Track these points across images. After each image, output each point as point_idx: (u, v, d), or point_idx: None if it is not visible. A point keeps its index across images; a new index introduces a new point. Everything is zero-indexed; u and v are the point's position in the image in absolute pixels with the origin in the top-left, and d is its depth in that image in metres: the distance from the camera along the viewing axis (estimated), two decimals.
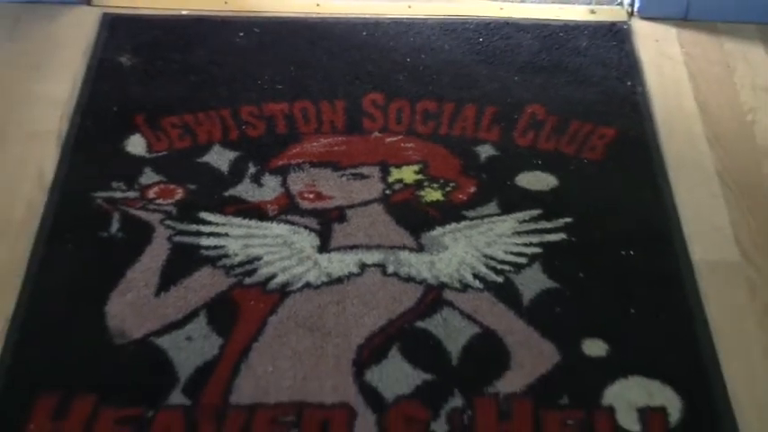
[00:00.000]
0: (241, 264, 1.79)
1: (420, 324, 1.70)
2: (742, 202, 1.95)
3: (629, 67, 2.24)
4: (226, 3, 2.39)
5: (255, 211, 1.88)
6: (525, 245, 1.84)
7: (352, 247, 1.82)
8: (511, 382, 1.62)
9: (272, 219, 1.87)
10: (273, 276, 1.77)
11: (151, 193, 1.91)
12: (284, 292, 1.74)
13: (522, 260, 1.81)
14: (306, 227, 1.86)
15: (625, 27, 2.36)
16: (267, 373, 1.62)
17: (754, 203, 1.95)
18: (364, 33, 2.31)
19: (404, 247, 1.83)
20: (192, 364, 1.63)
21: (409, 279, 1.77)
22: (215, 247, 1.81)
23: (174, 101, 2.11)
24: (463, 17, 2.36)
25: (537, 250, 1.83)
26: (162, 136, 2.03)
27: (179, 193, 1.91)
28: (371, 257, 1.81)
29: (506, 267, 1.80)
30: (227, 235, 1.84)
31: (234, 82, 2.16)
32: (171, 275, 1.76)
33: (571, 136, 2.06)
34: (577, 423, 1.56)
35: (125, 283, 1.75)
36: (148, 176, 1.94)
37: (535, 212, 1.90)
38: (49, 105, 2.10)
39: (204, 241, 1.82)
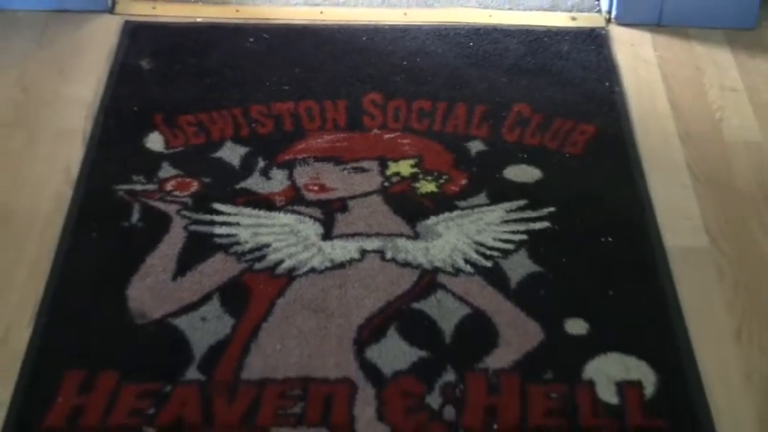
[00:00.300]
0: (251, 250, 1.78)
1: (416, 305, 1.69)
2: (711, 194, 1.95)
3: (608, 70, 2.23)
4: (237, 11, 2.38)
5: (264, 202, 1.87)
6: (512, 232, 1.83)
7: (354, 235, 1.81)
8: (499, 359, 1.61)
9: (279, 209, 1.86)
10: (281, 262, 1.76)
11: (168, 186, 1.90)
12: (291, 276, 1.73)
13: (510, 246, 1.80)
14: (311, 216, 1.85)
15: (603, 32, 2.35)
16: (275, 351, 1.61)
17: (721, 195, 1.95)
18: (364, 38, 2.30)
19: (401, 235, 1.82)
20: (206, 342, 1.62)
21: (406, 264, 1.76)
22: (227, 236, 1.81)
23: (189, 101, 2.10)
24: (455, 23, 2.35)
25: (523, 237, 1.82)
26: (179, 133, 2.03)
27: (194, 186, 1.90)
28: (371, 244, 1.80)
29: (495, 253, 1.79)
30: (238, 224, 1.83)
31: (245, 83, 2.15)
32: (187, 261, 1.75)
33: (554, 132, 2.05)
34: (560, 396, 1.55)
35: (145, 268, 1.74)
36: (166, 171, 1.94)
37: (521, 203, 1.89)
38: (75, 106, 2.09)
39: (217, 230, 1.82)
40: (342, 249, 1.79)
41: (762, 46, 2.33)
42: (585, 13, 2.41)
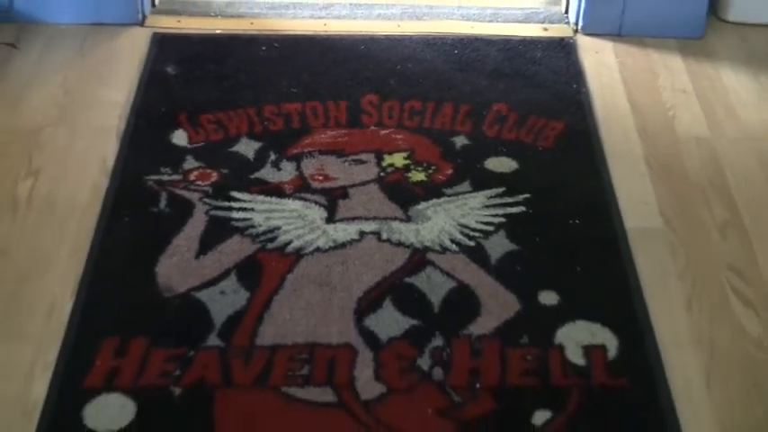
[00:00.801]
0: (264, 233, 1.76)
1: (408, 280, 1.67)
2: (664, 181, 1.93)
3: (575, 74, 2.21)
4: (251, 23, 2.36)
5: (275, 191, 1.85)
6: (492, 216, 1.81)
7: (354, 219, 1.80)
8: (481, 326, 1.59)
9: (288, 196, 1.84)
10: (290, 242, 1.74)
11: (192, 177, 1.88)
12: (299, 255, 1.71)
13: (490, 228, 1.78)
14: (316, 202, 1.83)
15: (571, 41, 2.33)
16: (285, 321, 1.59)
17: (673, 182, 1.93)
18: (362, 47, 2.28)
19: (395, 219, 1.80)
20: (225, 313, 1.60)
21: (399, 244, 1.74)
22: (243, 220, 1.78)
23: (209, 102, 2.08)
24: (442, 34, 2.33)
25: (502, 220, 1.80)
26: (200, 130, 2.01)
27: (214, 176, 1.88)
28: (369, 227, 1.78)
29: (477, 234, 1.77)
30: (252, 210, 1.81)
31: (258, 86, 2.13)
32: (208, 242, 1.73)
33: (529, 128, 2.04)
34: (535, 358, 1.54)
35: (171, 248, 1.72)
36: (189, 163, 1.91)
37: (500, 190, 1.87)
38: (110, 107, 2.07)
39: (234, 215, 1.80)
40: (343, 231, 1.77)
41: (708, 53, 2.32)
42: (556, 25, 2.39)
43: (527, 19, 2.41)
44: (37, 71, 2.19)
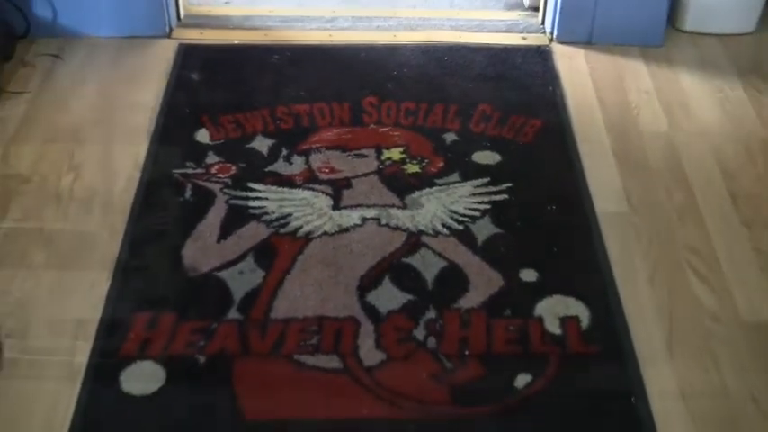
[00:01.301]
0: (277, 219, 1.73)
1: (405, 260, 1.65)
2: (630, 171, 1.90)
3: (551, 77, 2.18)
4: (265, 35, 2.33)
5: (287, 182, 1.83)
6: (479, 203, 1.78)
7: (356, 206, 1.77)
8: (470, 300, 1.57)
9: (299, 187, 1.82)
10: (300, 227, 1.72)
11: (213, 170, 1.85)
12: (308, 238, 1.69)
13: (477, 214, 1.76)
14: (323, 192, 1.80)
15: (547, 49, 2.29)
16: (297, 297, 1.57)
17: (638, 171, 1.90)
18: (363, 55, 2.24)
19: (393, 206, 1.77)
20: (243, 290, 1.58)
21: (397, 228, 1.72)
22: (259, 208, 1.76)
23: (229, 104, 2.04)
24: (434, 42, 2.29)
25: (487, 207, 1.78)
26: (221, 129, 1.98)
27: (233, 170, 1.85)
28: (370, 213, 1.75)
29: (466, 219, 1.75)
30: (267, 199, 1.78)
31: (271, 90, 2.10)
32: (228, 228, 1.71)
33: (510, 125, 2.01)
34: (517, 328, 1.52)
35: (196, 233, 1.70)
36: (211, 158, 1.89)
37: (485, 180, 1.84)
38: (141, 109, 2.04)
39: (251, 203, 1.77)
40: (347, 217, 1.74)
41: (667, 59, 2.28)
42: (533, 34, 2.36)
43: (508, 29, 2.37)
44: (78, 78, 2.16)
